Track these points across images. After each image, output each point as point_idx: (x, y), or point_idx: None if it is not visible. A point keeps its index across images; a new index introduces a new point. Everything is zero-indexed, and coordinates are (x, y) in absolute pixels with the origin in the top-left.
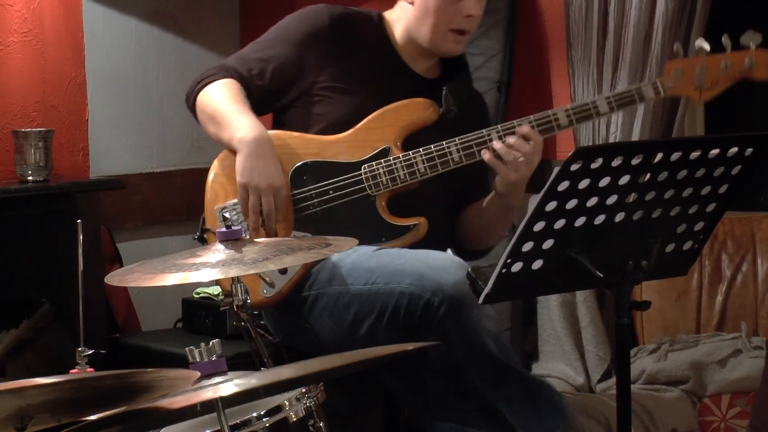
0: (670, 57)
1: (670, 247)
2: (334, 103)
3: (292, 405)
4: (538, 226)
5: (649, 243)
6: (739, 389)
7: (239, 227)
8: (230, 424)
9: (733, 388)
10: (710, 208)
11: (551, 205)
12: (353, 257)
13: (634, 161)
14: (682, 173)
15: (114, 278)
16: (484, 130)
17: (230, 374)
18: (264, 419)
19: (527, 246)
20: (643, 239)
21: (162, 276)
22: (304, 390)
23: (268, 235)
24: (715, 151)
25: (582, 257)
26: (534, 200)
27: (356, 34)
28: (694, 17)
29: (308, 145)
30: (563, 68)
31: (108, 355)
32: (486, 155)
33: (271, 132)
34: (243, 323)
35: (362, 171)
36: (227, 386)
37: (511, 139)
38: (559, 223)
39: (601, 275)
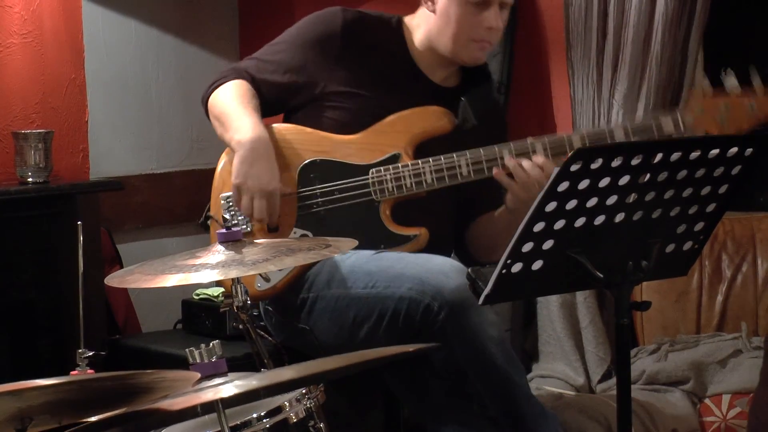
0: (691, 85)
1: (670, 248)
2: (344, 108)
3: (293, 406)
4: (538, 227)
5: (649, 243)
6: (739, 389)
7: (238, 229)
8: (231, 425)
9: (734, 388)
10: (710, 208)
11: (551, 206)
12: (353, 260)
13: (634, 161)
14: (682, 173)
15: (114, 279)
16: (496, 147)
17: (230, 375)
18: (264, 420)
19: (527, 246)
20: (643, 239)
21: (162, 277)
22: (304, 391)
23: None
24: (714, 151)
25: (582, 258)
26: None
27: (371, 38)
28: (693, 17)
29: (319, 143)
30: (563, 69)
31: (108, 356)
32: (495, 171)
33: (286, 125)
34: (243, 324)
35: (369, 175)
36: (227, 387)
37: (524, 162)
38: (559, 224)
39: (601, 276)
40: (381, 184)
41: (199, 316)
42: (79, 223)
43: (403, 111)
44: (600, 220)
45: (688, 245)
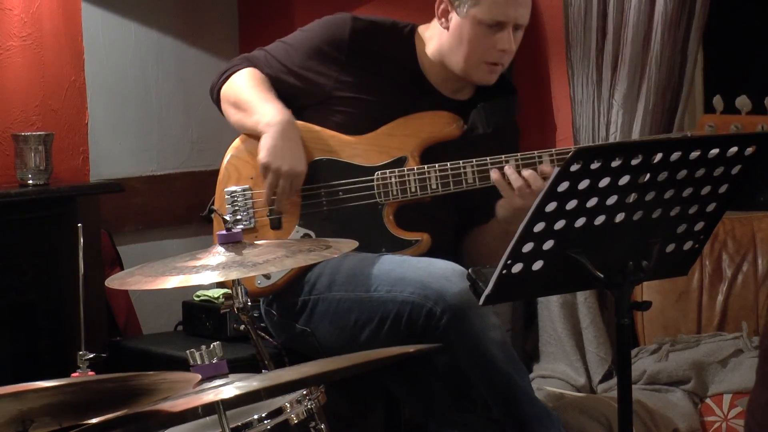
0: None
1: (670, 248)
2: (349, 113)
3: (294, 407)
4: (538, 227)
5: (650, 243)
6: (740, 389)
7: (239, 231)
8: (231, 426)
9: (735, 388)
10: (710, 207)
11: (551, 206)
12: (354, 262)
13: (634, 161)
14: (682, 173)
15: (114, 281)
16: (503, 156)
17: (231, 377)
18: (265, 421)
19: (527, 247)
20: (643, 239)
21: (162, 279)
22: (305, 392)
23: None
24: (714, 151)
25: (582, 258)
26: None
27: (379, 49)
28: (693, 18)
29: (327, 142)
30: (563, 69)
31: (109, 358)
32: (494, 175)
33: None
34: (244, 325)
35: (375, 177)
36: (228, 389)
37: (526, 172)
38: (559, 224)
39: (602, 276)
40: (385, 187)
41: (200, 317)
42: (79, 225)
43: (413, 114)
44: (600, 220)
45: (688, 245)
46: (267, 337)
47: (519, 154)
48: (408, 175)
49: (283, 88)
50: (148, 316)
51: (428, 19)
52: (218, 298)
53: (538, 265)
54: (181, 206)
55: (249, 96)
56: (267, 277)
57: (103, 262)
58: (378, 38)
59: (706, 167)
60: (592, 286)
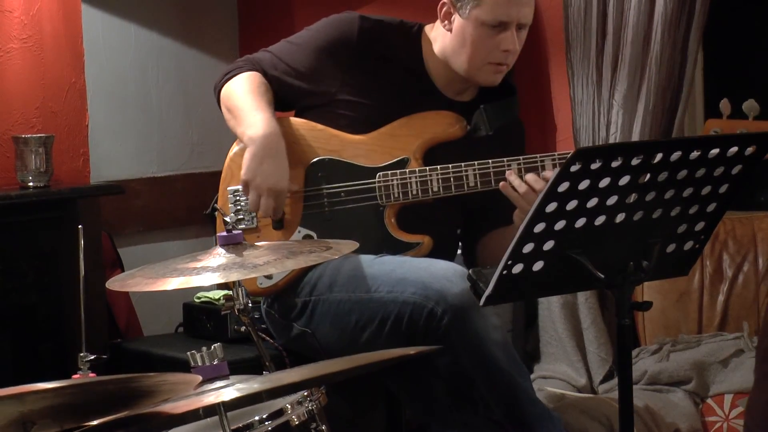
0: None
1: (670, 248)
2: (353, 116)
3: (294, 408)
4: (539, 228)
5: (650, 243)
6: (741, 389)
7: (240, 232)
8: (232, 428)
9: (736, 388)
10: (711, 208)
11: (551, 207)
12: (355, 263)
13: (634, 162)
14: (682, 173)
15: (115, 283)
16: (505, 159)
17: (232, 378)
18: (266, 423)
19: (528, 247)
20: (643, 240)
21: (163, 281)
22: (306, 393)
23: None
24: (715, 151)
25: (583, 258)
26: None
27: (386, 50)
28: (693, 18)
29: (329, 141)
30: (563, 70)
31: (110, 360)
32: (502, 184)
33: (298, 120)
34: (244, 327)
35: (376, 179)
36: (229, 390)
37: (529, 178)
38: (560, 225)
39: (602, 276)
40: (387, 189)
41: (201, 319)
42: (80, 227)
43: (416, 114)
44: (600, 220)
45: (689, 245)
46: (267, 338)
47: (521, 157)
48: (410, 177)
49: (287, 90)
50: (149, 317)
51: (430, 17)
52: (219, 299)
53: (538, 266)
54: (181, 208)
55: (241, 103)
56: (268, 277)
57: (103, 263)
58: (385, 39)
59: (707, 167)
60: (592, 287)
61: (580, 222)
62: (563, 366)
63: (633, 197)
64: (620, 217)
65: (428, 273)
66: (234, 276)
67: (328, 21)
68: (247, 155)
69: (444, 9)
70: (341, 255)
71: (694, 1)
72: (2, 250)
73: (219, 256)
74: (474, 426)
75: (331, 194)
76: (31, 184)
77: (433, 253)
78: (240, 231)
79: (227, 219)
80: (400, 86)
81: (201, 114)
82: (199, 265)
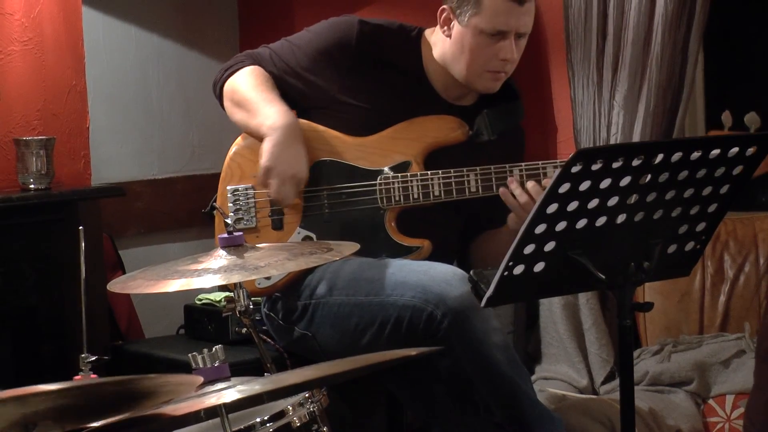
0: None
1: (672, 248)
2: (350, 121)
3: (296, 410)
4: (540, 229)
5: (651, 244)
6: (743, 390)
7: (240, 235)
8: (234, 429)
9: (737, 388)
10: (712, 208)
11: (552, 208)
12: (354, 267)
13: (635, 162)
14: (683, 174)
15: (116, 285)
16: (507, 165)
17: (233, 380)
18: (268, 424)
19: (529, 248)
20: (644, 240)
21: (164, 282)
22: (307, 395)
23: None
24: (715, 152)
25: (584, 259)
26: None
27: (385, 54)
28: (693, 18)
29: (331, 142)
30: (563, 70)
31: (111, 362)
32: (502, 191)
33: (300, 120)
34: (245, 329)
35: (378, 181)
36: (230, 392)
37: (530, 187)
38: (561, 225)
39: (603, 277)
40: (388, 192)
41: (202, 321)
42: (81, 229)
43: (418, 118)
44: (601, 221)
45: (690, 246)
46: (269, 340)
47: (523, 164)
48: (411, 180)
49: (285, 88)
50: (150, 319)
51: (430, 21)
52: (220, 301)
53: (539, 267)
54: (182, 210)
55: (253, 96)
56: (267, 277)
57: (104, 265)
58: (384, 43)
59: (707, 168)
60: (593, 288)
61: (581, 223)
62: (564, 367)
63: (634, 198)
64: (621, 218)
65: (428, 276)
66: (235, 278)
67: (327, 24)
68: (268, 144)
69: (444, 15)
70: (342, 257)
71: (694, 2)
72: (3, 252)
73: (220, 257)
74: (475, 428)
75: (332, 195)
76: (32, 186)
77: (433, 257)
78: (241, 233)
79: (228, 221)
80: (399, 90)
81: (202, 116)
82: (200, 266)
